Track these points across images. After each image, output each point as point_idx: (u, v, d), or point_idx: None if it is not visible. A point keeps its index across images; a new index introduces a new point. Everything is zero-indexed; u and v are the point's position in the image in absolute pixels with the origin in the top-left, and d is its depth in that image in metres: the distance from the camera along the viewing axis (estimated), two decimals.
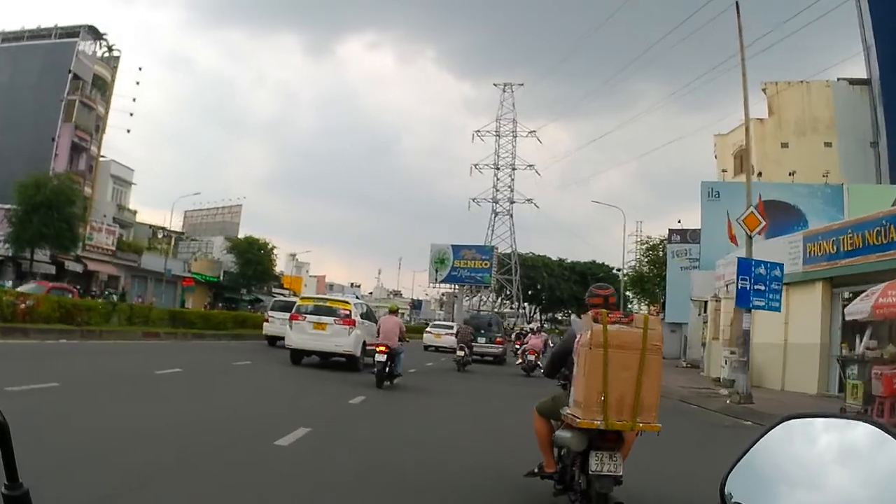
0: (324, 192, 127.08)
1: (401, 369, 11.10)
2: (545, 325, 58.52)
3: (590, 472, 3.52)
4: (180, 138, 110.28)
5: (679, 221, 41.50)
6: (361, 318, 13.27)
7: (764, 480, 1.04)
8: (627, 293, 43.63)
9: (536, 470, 4.23)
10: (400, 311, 15.10)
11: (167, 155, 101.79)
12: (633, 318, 3.65)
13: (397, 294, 77.71)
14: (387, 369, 10.45)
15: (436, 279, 59.71)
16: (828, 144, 29.16)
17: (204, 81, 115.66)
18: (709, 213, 24.98)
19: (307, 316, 12.82)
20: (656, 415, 3.51)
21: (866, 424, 1.01)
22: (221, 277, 44.08)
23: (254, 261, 44.09)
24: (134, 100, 37.20)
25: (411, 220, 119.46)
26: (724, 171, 36.30)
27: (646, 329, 3.55)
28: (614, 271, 75.82)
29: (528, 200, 61.75)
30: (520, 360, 18.38)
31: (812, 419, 1.07)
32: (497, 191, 62.11)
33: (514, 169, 62.39)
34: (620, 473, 3.51)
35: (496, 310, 61.68)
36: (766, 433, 1.08)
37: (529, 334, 20.59)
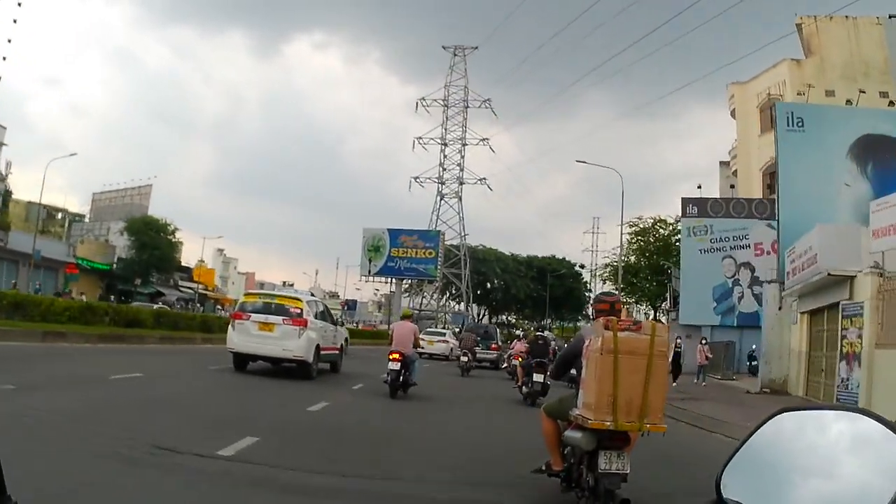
0: (268, 192, 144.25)
1: (416, 377, 12.06)
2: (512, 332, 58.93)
3: (598, 471, 4.39)
4: (127, 136, 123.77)
5: (699, 187, 37.25)
6: (316, 317, 13.59)
7: (758, 474, 1.19)
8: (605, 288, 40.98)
9: (543, 468, 5.13)
10: (334, 311, 16.10)
11: (113, 152, 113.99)
12: (641, 325, 4.57)
13: (334, 295, 77.51)
14: (401, 378, 11.46)
15: (369, 271, 57.62)
16: (884, 94, 25.56)
17: (151, 79, 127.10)
18: (789, 147, 20.79)
19: (252, 315, 12.88)
20: (662, 416, 4.46)
21: (860, 416, 1.14)
22: (115, 265, 42.64)
23: (150, 245, 42.88)
24: (10, 41, 35.45)
25: (354, 222, 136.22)
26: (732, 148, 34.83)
27: (653, 336, 4.48)
28: (577, 268, 78.82)
29: (481, 180, 61.10)
30: (505, 364, 20.18)
31: (806, 412, 1.24)
32: (444, 169, 61.16)
33: (464, 144, 61.19)
34: (628, 471, 4.40)
35: (441, 311, 61.93)
36: (760, 427, 1.24)
37: (515, 340, 23.04)
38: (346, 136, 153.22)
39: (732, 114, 34.64)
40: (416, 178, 61.21)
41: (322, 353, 13.70)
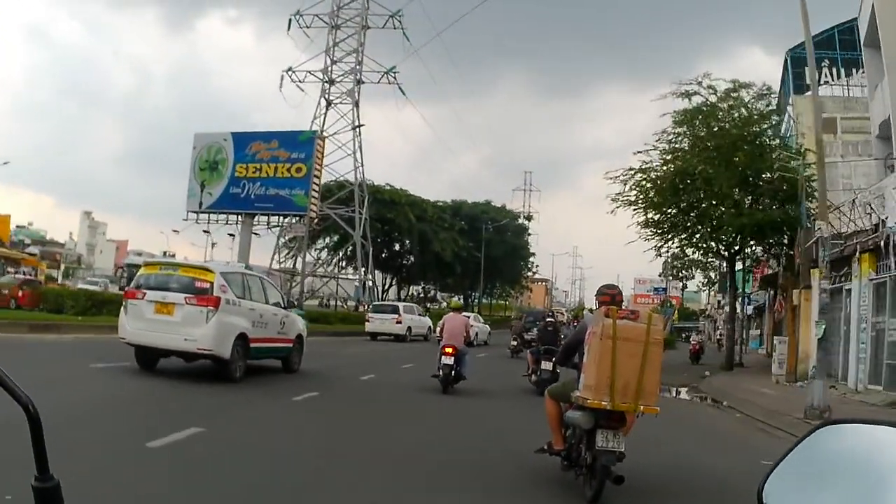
0: (178, 169, 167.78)
1: (466, 372, 16.52)
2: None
3: (595, 448, 7.30)
4: (34, 112, 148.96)
5: None
6: (246, 296, 14.81)
7: (801, 486, 1.74)
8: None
9: (546, 447, 8.23)
10: None
11: (20, 128, 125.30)
12: (638, 314, 7.55)
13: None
14: (453, 373, 15.99)
15: (200, 204, 53.86)
16: None
17: (61, 54, 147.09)
18: None
19: (147, 292, 13.79)
20: (656, 399, 7.41)
21: None
22: None
23: None
24: None
25: None
26: None
27: (649, 325, 7.42)
28: (521, 220, 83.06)
29: (387, 74, 56.67)
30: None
31: (854, 426, 1.75)
32: (333, 62, 56.88)
33: (365, 26, 56.67)
34: (622, 450, 7.33)
35: (330, 276, 61.34)
36: (805, 438, 1.80)
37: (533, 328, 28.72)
38: (254, 112, 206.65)
39: None
40: (289, 71, 57.11)
41: (255, 345, 14.86)
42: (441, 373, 16.02)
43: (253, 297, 15.41)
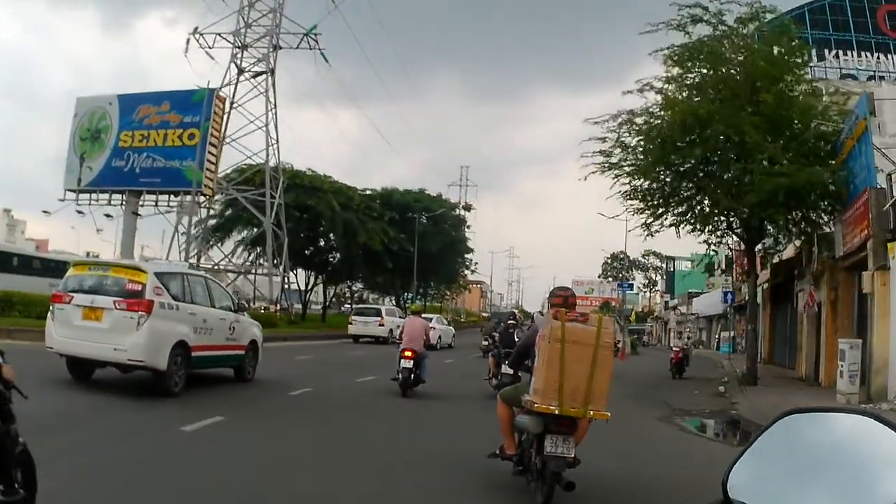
0: None
1: (426, 375, 18.52)
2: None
3: (544, 454, 8.09)
4: None
5: None
6: (186, 298, 14.95)
7: (765, 475, 1.97)
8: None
9: (498, 452, 9.24)
10: None
11: None
12: (588, 317, 8.35)
13: None
14: (412, 376, 17.89)
15: (79, 181, 51.35)
16: None
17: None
18: None
19: (74, 295, 13.86)
20: (606, 404, 8.20)
21: (868, 419, 1.88)
22: None
23: None
24: None
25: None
26: None
27: (599, 327, 8.20)
28: (458, 210, 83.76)
29: (308, 36, 54.16)
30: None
31: (815, 414, 2.02)
32: (248, 25, 54.26)
33: None
34: (572, 455, 8.14)
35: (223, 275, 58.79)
36: (768, 428, 2.06)
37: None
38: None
39: None
40: (196, 34, 53.81)
41: (197, 354, 15.07)
42: (400, 376, 17.94)
43: (196, 299, 15.51)
